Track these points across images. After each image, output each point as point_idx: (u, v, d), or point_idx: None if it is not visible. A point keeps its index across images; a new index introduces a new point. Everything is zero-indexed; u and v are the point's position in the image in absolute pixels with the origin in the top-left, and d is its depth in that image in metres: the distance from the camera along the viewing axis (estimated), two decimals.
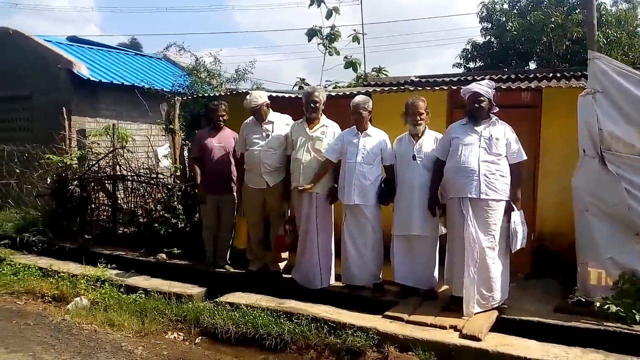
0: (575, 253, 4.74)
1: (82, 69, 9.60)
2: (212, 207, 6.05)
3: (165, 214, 6.60)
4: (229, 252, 6.07)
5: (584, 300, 4.73)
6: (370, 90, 6.56)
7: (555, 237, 5.70)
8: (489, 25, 18.83)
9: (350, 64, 7.27)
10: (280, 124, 5.64)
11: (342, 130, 5.31)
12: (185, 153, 7.21)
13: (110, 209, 7.47)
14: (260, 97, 5.57)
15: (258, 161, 5.50)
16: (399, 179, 5.03)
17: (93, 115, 9.95)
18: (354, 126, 5.21)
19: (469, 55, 18.89)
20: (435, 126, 5.25)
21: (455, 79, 7.41)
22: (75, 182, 7.63)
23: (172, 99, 6.91)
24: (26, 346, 4.19)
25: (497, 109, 4.62)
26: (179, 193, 6.66)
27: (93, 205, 7.72)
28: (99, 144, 8.22)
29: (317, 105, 5.30)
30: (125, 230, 7.23)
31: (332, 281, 5.39)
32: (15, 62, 10.41)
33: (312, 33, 7.15)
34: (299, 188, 5.18)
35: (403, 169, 4.99)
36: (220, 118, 6.00)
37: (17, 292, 5.54)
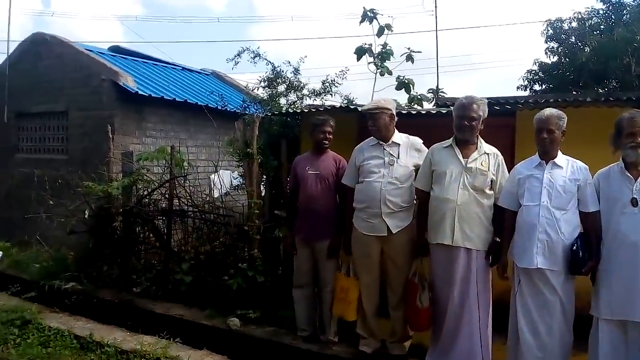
0: None
1: (129, 82, 8.22)
2: (306, 257, 4.48)
3: (240, 264, 5.06)
4: (336, 322, 4.47)
5: None
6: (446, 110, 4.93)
7: None
8: (556, 45, 17.36)
9: (403, 85, 6.26)
10: (408, 148, 4.09)
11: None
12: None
13: (163, 253, 5.97)
14: (385, 102, 4.09)
15: (378, 197, 3.93)
16: (608, 235, 3.37)
17: (139, 136, 8.54)
18: (534, 156, 3.65)
19: (536, 77, 17.32)
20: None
21: (537, 101, 5.72)
22: (120, 218, 6.15)
23: (250, 117, 5.46)
24: None
25: None
26: (258, 237, 5.12)
27: (141, 247, 6.23)
28: (148, 169, 6.76)
29: (475, 123, 3.74)
30: (182, 279, 5.68)
31: None
32: (50, 73, 9.10)
33: (361, 52, 5.90)
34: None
35: (615, 219, 3.32)
36: (326, 137, 4.47)
37: None
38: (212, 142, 9.92)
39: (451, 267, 3.72)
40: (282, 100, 6.14)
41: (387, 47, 6.15)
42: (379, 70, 6.16)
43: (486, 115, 3.81)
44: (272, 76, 6.05)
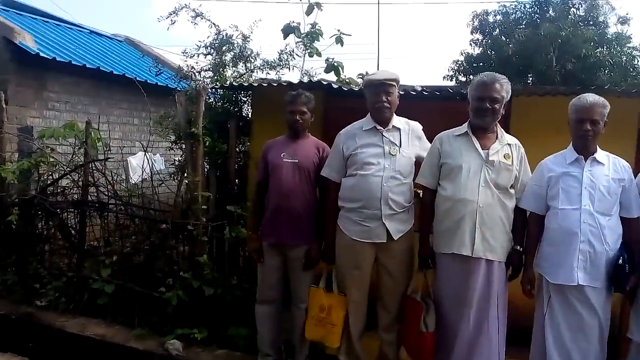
0: None
1: (28, 41, 6.69)
2: (276, 266, 3.56)
3: (182, 272, 4.05)
4: (308, 344, 3.63)
5: None
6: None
7: None
8: (481, 37, 17.55)
9: (332, 68, 5.73)
10: (409, 135, 3.31)
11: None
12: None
13: (75, 255, 4.77)
14: (395, 74, 3.27)
15: (378, 195, 3.13)
16: None
17: (39, 107, 7.04)
18: (567, 149, 3.03)
19: (462, 68, 17.40)
20: (620, 148, 3.25)
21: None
22: (17, 210, 4.85)
23: (193, 90, 4.44)
24: None
25: None
26: (206, 238, 4.13)
27: (45, 247, 4.97)
28: (52, 149, 5.43)
29: (497, 106, 3.04)
30: (101, 289, 4.53)
31: None
32: None
33: (288, 30, 5.17)
34: None
35: None
36: (299, 117, 3.54)
37: None
38: (128, 118, 8.66)
39: (467, 283, 3.01)
40: (229, 72, 5.11)
41: (317, 27, 5.38)
42: (308, 51, 5.36)
43: (509, 96, 3.13)
44: (217, 42, 4.98)
